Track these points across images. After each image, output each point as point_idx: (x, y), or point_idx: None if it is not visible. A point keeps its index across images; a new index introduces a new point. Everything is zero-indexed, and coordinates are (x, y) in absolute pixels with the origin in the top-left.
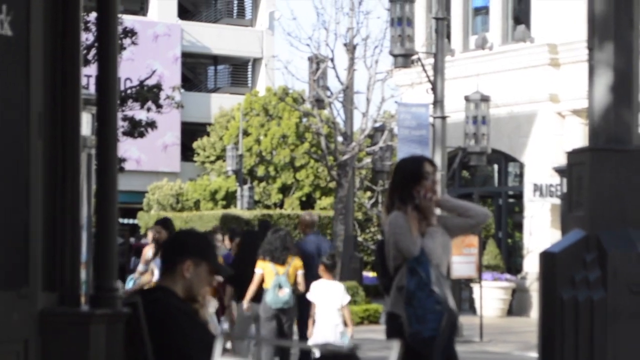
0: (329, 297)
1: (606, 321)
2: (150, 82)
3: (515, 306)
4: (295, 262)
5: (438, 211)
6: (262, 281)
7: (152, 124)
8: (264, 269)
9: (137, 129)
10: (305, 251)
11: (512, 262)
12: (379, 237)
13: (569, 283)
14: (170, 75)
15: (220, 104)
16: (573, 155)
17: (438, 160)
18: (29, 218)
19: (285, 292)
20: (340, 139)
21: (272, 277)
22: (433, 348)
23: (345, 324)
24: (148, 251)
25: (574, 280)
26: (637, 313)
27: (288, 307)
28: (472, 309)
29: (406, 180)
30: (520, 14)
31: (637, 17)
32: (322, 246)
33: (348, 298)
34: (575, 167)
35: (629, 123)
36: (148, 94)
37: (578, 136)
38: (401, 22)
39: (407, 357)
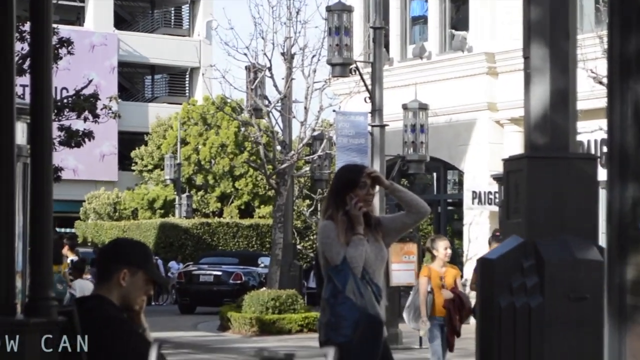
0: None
1: (543, 328)
2: (87, 91)
3: None
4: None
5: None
6: None
7: (89, 134)
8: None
9: (74, 139)
10: None
11: None
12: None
13: (507, 290)
14: (107, 85)
15: (158, 113)
16: (510, 162)
17: (377, 168)
18: None
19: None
20: (278, 147)
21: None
22: (349, 354)
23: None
24: None
25: (512, 287)
26: (574, 320)
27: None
28: None
29: (341, 187)
30: (458, 24)
31: (573, 26)
32: None
33: None
34: (512, 174)
35: (566, 130)
36: (84, 103)
37: (516, 144)
38: (339, 31)
39: None
